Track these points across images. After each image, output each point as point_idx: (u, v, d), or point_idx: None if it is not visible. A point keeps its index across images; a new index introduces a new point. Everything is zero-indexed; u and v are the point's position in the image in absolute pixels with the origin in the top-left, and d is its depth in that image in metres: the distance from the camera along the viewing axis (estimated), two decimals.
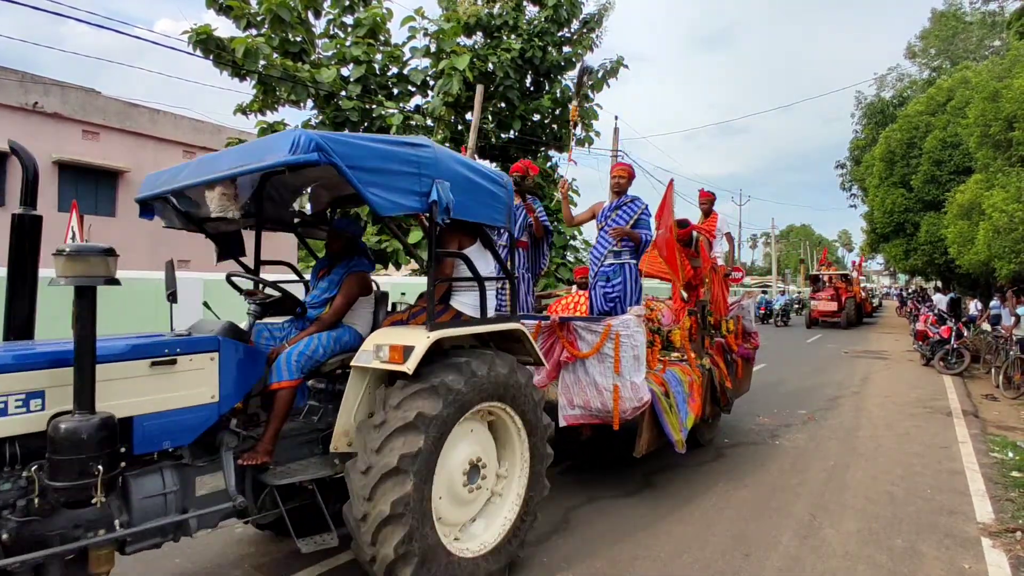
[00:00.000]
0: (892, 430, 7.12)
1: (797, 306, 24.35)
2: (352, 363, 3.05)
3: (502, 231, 4.39)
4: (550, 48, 13.60)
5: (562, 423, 4.36)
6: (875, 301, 35.47)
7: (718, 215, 6.63)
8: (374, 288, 3.78)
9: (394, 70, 13.08)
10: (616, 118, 21.46)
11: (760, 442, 6.48)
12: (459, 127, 13.34)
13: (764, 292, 29.56)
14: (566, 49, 14.26)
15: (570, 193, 5.70)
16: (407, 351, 2.83)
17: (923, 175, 20.09)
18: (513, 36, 13.30)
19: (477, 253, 3.50)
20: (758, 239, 76.17)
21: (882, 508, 4.59)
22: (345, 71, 12.14)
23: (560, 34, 14.12)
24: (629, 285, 5.17)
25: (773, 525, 4.23)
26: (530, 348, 3.61)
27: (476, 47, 13.16)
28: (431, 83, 12.74)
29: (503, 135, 14.21)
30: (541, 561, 3.62)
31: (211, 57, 11.07)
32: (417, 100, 13.48)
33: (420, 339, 2.88)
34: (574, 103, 6.87)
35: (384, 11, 12.56)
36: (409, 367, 2.78)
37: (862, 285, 30.43)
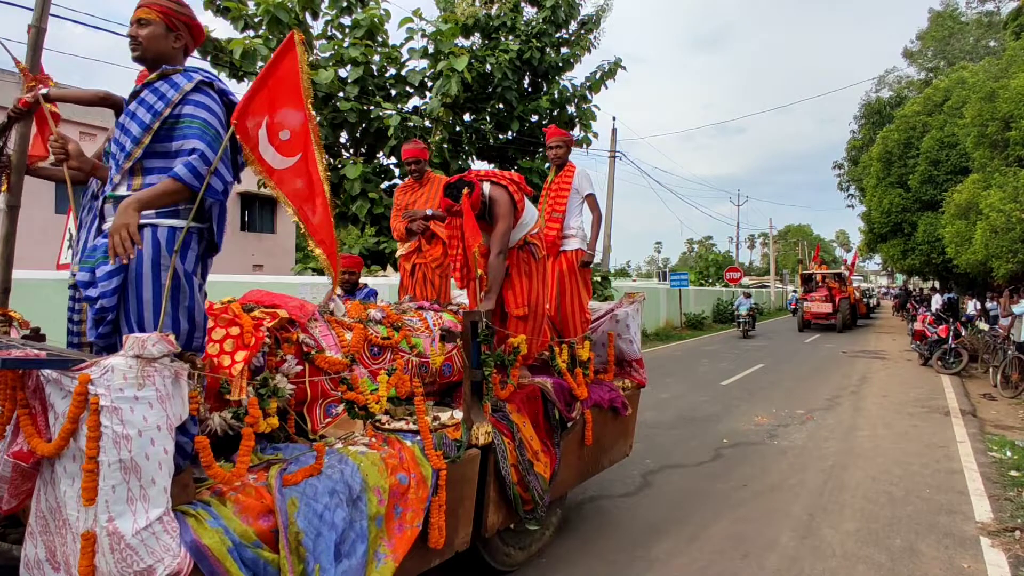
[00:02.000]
0: (891, 430, 7.13)
1: (747, 315, 20.34)
2: None
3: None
4: (548, 49, 13.62)
5: None
6: (871, 301, 35.08)
7: (575, 168, 4.32)
8: None
9: (392, 71, 13.07)
10: (614, 119, 21.52)
11: (758, 442, 6.49)
12: (457, 128, 13.34)
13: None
14: (564, 50, 14.29)
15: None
16: None
17: (920, 175, 20.15)
18: (511, 37, 13.31)
19: None
20: (756, 239, 76.44)
21: (881, 508, 4.60)
22: (343, 72, 12.12)
23: (558, 35, 14.14)
24: (145, 282, 2.05)
25: (771, 525, 4.23)
26: None
27: (474, 48, 13.17)
28: (429, 84, 12.73)
29: (501, 136, 14.23)
30: (539, 561, 3.62)
31: (209, 58, 11.06)
32: (415, 101, 13.48)
33: None
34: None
35: (382, 12, 12.56)
36: None
37: (855, 284, 30.08)
